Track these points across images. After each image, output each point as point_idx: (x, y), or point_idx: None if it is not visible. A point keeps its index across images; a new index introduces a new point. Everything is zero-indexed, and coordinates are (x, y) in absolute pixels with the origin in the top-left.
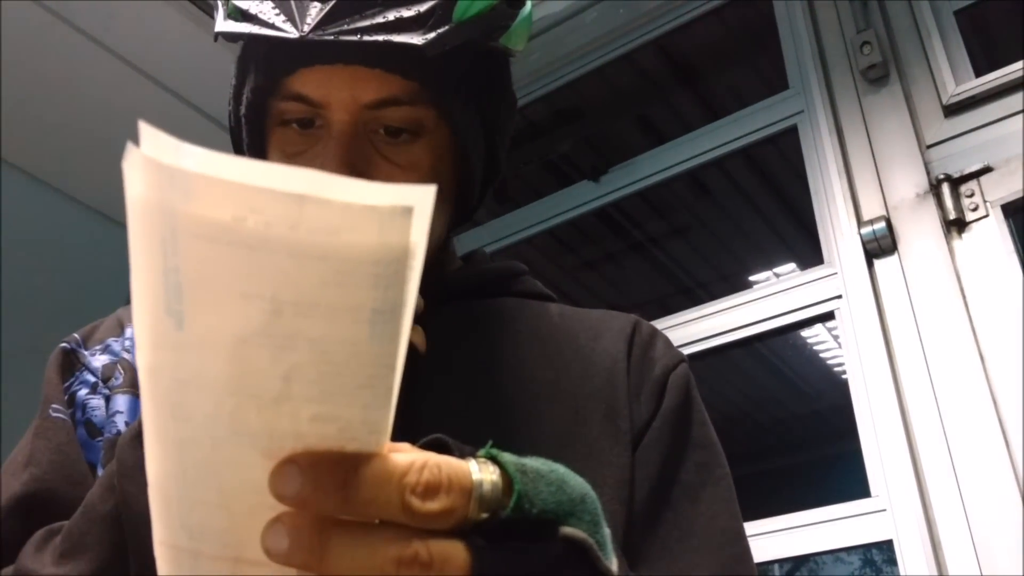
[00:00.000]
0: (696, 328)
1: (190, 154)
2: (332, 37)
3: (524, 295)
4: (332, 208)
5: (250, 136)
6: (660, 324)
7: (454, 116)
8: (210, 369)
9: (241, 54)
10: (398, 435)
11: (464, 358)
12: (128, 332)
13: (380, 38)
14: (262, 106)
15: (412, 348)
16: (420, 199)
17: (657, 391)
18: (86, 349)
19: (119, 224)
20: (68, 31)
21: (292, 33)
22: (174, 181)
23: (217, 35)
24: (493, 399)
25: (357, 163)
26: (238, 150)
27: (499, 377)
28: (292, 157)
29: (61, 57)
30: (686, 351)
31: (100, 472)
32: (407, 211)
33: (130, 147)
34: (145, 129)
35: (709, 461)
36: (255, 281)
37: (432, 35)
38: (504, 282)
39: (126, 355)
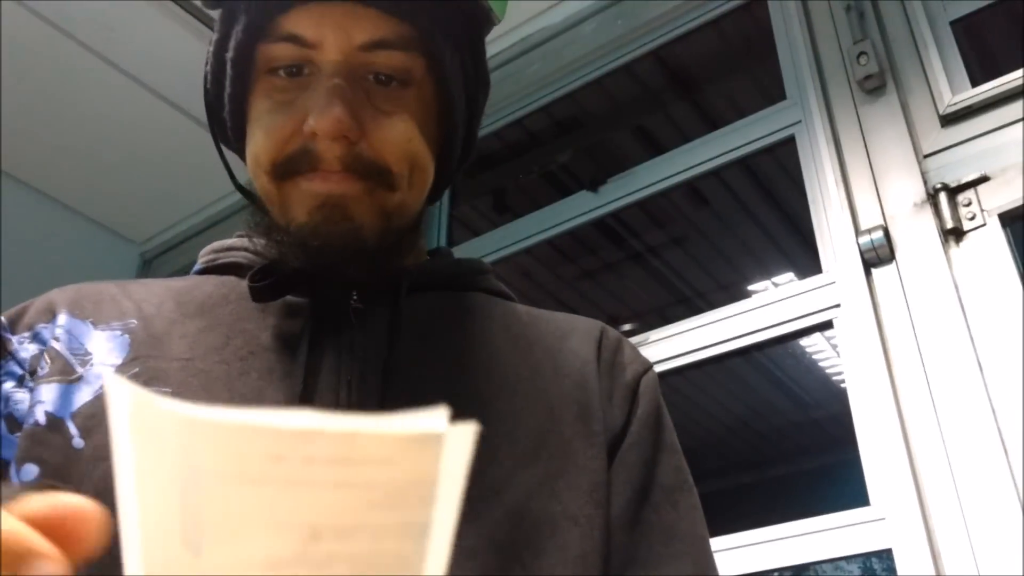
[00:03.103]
0: (694, 338)
1: (189, 409)
2: None
3: (491, 292)
4: (386, 441)
5: (233, 85)
6: (659, 334)
7: (443, 64)
8: None
9: (226, 5)
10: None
11: (439, 349)
12: (60, 319)
13: None
14: (250, 50)
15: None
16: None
17: (629, 396)
18: (13, 334)
19: (118, 235)
20: (69, 44)
21: None
22: (194, 431)
23: None
24: (470, 392)
25: (350, 103)
26: (213, 114)
27: (476, 370)
28: (280, 105)
29: (62, 69)
30: (685, 361)
31: (13, 470)
32: (466, 432)
33: (125, 401)
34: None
35: (682, 466)
36: (291, 513)
37: None
38: (473, 277)
39: (55, 343)
